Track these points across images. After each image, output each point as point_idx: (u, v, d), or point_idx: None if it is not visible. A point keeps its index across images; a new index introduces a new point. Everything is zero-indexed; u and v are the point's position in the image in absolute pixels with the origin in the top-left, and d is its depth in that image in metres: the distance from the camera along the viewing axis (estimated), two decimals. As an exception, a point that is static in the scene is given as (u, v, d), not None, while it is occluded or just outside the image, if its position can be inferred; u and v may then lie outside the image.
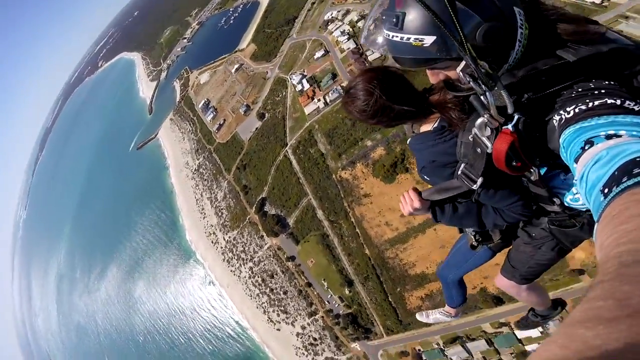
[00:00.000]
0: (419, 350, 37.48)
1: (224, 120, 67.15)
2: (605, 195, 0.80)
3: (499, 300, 31.64)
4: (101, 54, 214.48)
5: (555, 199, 1.77)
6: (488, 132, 1.50)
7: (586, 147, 1.03)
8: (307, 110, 51.29)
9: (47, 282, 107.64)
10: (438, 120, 1.90)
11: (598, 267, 0.55)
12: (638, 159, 0.81)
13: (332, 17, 59.62)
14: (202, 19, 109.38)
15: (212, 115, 70.77)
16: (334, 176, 44.95)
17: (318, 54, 56.29)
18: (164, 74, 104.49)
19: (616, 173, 0.82)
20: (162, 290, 66.97)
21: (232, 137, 62.61)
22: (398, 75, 1.82)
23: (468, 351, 34.58)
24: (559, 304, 3.18)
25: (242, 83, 69.09)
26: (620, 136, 0.97)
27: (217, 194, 62.19)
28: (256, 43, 73.12)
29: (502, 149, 1.42)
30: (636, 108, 1.11)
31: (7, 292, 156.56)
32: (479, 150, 1.58)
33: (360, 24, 55.07)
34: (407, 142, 2.09)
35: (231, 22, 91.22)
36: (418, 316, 4.04)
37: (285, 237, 48.55)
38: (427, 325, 34.45)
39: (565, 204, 1.78)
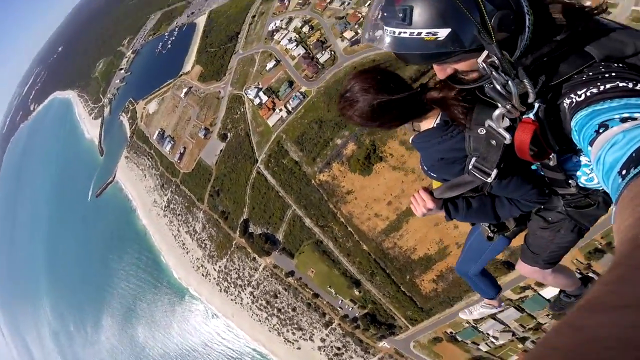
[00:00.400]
0: (451, 332, 36.87)
1: (184, 148, 65.14)
2: (623, 177, 0.80)
3: (509, 265, 30.95)
4: (31, 96, 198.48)
5: (571, 181, 1.82)
6: (507, 122, 1.54)
7: (601, 130, 1.04)
8: (271, 122, 51.28)
9: (43, 339, 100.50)
10: (439, 116, 1.90)
11: (615, 250, 0.55)
12: None
13: (277, 27, 60.18)
14: (136, 47, 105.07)
15: (170, 145, 68.13)
16: (313, 181, 45.12)
17: (270, 65, 56.49)
18: (107, 110, 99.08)
19: (634, 155, 0.82)
20: (166, 332, 64.47)
21: (197, 165, 61.07)
22: (392, 73, 1.84)
23: (502, 322, 33.93)
24: (588, 282, 3.19)
25: (195, 106, 67.53)
26: (635, 119, 0.98)
27: (195, 226, 60.43)
28: (201, 64, 71.93)
29: (525, 138, 1.46)
30: None
31: (4, 353, 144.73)
32: (493, 142, 1.62)
33: (305, 29, 56.26)
34: (411, 141, 2.07)
35: (169, 46, 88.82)
36: (461, 314, 4.08)
37: (278, 253, 48.13)
38: (450, 306, 35.64)
39: (580, 184, 1.83)
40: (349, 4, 55.64)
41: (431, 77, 1.80)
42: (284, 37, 57.31)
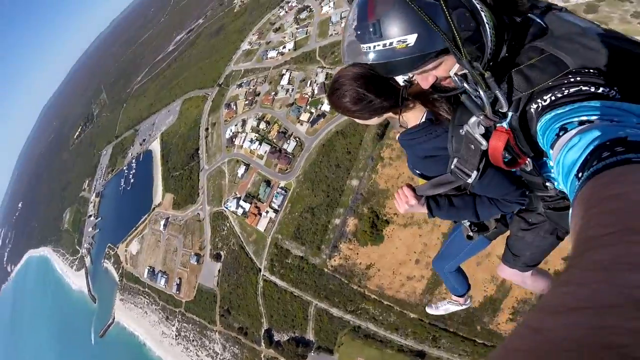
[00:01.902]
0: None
1: (180, 279, 64.10)
2: (579, 179, 0.85)
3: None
4: (4, 258, 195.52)
5: (548, 184, 1.90)
6: (482, 130, 1.63)
7: (560, 134, 1.10)
8: (261, 227, 51.69)
9: None
10: (425, 114, 2.02)
11: (569, 251, 0.58)
12: (608, 143, 0.85)
13: (233, 132, 62.91)
14: (98, 189, 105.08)
15: (164, 280, 67.08)
16: (325, 270, 44.84)
17: (240, 171, 57.89)
18: (87, 260, 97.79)
19: (588, 157, 0.86)
20: None
21: (198, 291, 59.97)
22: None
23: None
24: None
25: (178, 236, 67.47)
26: (592, 122, 1.04)
27: (215, 348, 57.40)
28: (171, 191, 73.00)
29: (498, 147, 1.55)
30: (610, 94, 1.21)
31: None
32: (472, 146, 1.71)
33: (261, 125, 59.52)
34: (397, 137, 2.18)
35: (132, 180, 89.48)
36: (428, 309, 4.24)
37: (315, 354, 45.89)
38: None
39: (557, 188, 1.91)
40: (293, 90, 60.04)
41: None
42: (244, 140, 59.65)
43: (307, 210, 47.49)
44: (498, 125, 1.59)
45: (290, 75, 63.11)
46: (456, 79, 1.48)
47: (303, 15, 74.44)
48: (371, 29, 1.33)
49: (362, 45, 1.39)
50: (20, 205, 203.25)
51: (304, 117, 54.21)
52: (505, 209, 2.08)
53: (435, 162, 2.03)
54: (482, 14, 1.36)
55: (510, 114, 1.52)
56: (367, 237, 41.29)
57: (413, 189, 2.16)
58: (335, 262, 44.29)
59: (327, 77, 56.80)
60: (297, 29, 71.97)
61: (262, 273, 50.74)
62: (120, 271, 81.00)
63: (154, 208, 76.11)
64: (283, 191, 51.15)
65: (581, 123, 1.06)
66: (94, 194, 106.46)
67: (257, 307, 51.11)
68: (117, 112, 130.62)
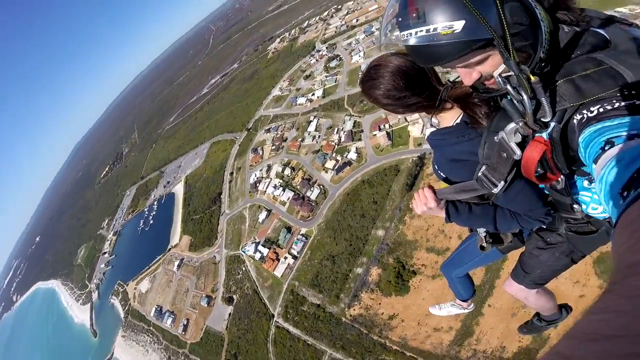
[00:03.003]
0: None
1: (187, 320, 63.05)
2: (624, 199, 0.80)
3: None
4: (12, 288, 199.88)
5: (575, 206, 1.85)
6: (518, 138, 1.56)
7: (606, 148, 1.04)
8: (278, 272, 51.28)
9: None
10: (460, 116, 1.97)
11: (610, 276, 0.57)
12: None
13: (258, 177, 64.11)
14: (117, 228, 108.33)
15: (171, 319, 66.16)
16: (343, 319, 43.35)
17: (262, 217, 58.26)
18: (95, 295, 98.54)
19: (635, 175, 0.82)
20: None
21: (205, 333, 58.60)
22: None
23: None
24: (565, 309, 3.31)
25: (191, 277, 67.42)
26: None
27: None
28: (189, 233, 73.80)
29: (533, 157, 1.48)
30: None
31: None
32: (504, 154, 1.64)
33: (286, 171, 60.50)
34: (426, 137, 2.16)
35: (151, 222, 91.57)
36: (431, 309, 4.24)
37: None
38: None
39: (585, 212, 1.86)
40: (319, 136, 61.42)
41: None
42: (268, 185, 60.53)
43: (327, 258, 46.92)
44: (537, 135, 1.51)
45: (317, 122, 64.86)
46: (500, 79, 1.42)
47: (333, 63, 77.90)
48: (414, 14, 1.29)
49: (403, 32, 1.35)
50: (37, 239, 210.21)
51: (330, 164, 54.97)
52: (525, 225, 2.03)
53: (462, 166, 1.96)
54: (537, 10, 1.33)
55: (552, 124, 1.45)
56: (391, 287, 40.24)
57: (434, 191, 2.11)
58: (354, 312, 42.92)
59: (354, 125, 58.10)
60: (326, 76, 75.04)
61: (275, 319, 49.57)
62: (126, 308, 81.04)
63: (169, 249, 76.96)
64: (304, 238, 50.96)
65: (630, 138, 1.00)
66: (112, 233, 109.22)
67: (267, 354, 49.33)
68: (145, 153, 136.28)
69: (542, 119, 1.45)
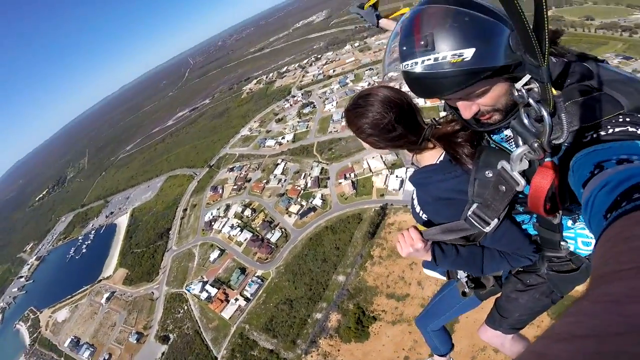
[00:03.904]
0: None
1: (110, 354, 56.92)
2: (606, 219, 0.84)
3: None
4: None
5: (563, 243, 1.86)
6: (525, 165, 1.48)
7: (595, 172, 1.07)
8: (226, 314, 48.88)
9: None
10: (443, 154, 1.93)
11: (586, 286, 0.60)
12: None
13: (214, 216, 62.80)
14: (42, 254, 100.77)
15: (88, 352, 59.49)
16: (299, 366, 41.50)
17: (213, 256, 56.41)
18: None
19: (618, 198, 0.85)
20: None
21: None
22: (409, 99, 1.85)
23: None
24: None
25: (121, 311, 62.35)
26: (632, 161, 1.02)
27: None
28: (126, 267, 69.77)
29: (543, 186, 1.38)
30: None
31: None
32: (502, 188, 1.58)
33: (246, 212, 59.35)
34: (409, 178, 2.09)
35: (84, 251, 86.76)
36: None
37: None
38: None
39: (575, 249, 1.89)
40: (285, 180, 61.62)
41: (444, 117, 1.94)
42: (224, 224, 59.36)
43: (284, 302, 45.45)
44: (546, 160, 1.42)
45: (285, 166, 65.46)
46: (523, 91, 1.34)
47: (306, 110, 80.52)
48: (422, 42, 1.28)
49: (407, 62, 1.35)
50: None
51: (294, 208, 54.94)
52: (515, 264, 1.99)
53: (449, 205, 1.89)
54: None
55: (564, 147, 1.40)
56: (351, 333, 39.35)
57: (420, 232, 2.02)
58: (312, 358, 41.09)
59: (321, 172, 58.90)
60: (298, 122, 77.16)
61: (218, 363, 46.28)
62: (35, 335, 73.22)
63: (100, 280, 72.49)
64: (259, 280, 49.45)
65: (619, 162, 1.03)
66: (34, 257, 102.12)
67: (205, 402, 45.80)
68: (92, 180, 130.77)
69: (555, 141, 1.38)
